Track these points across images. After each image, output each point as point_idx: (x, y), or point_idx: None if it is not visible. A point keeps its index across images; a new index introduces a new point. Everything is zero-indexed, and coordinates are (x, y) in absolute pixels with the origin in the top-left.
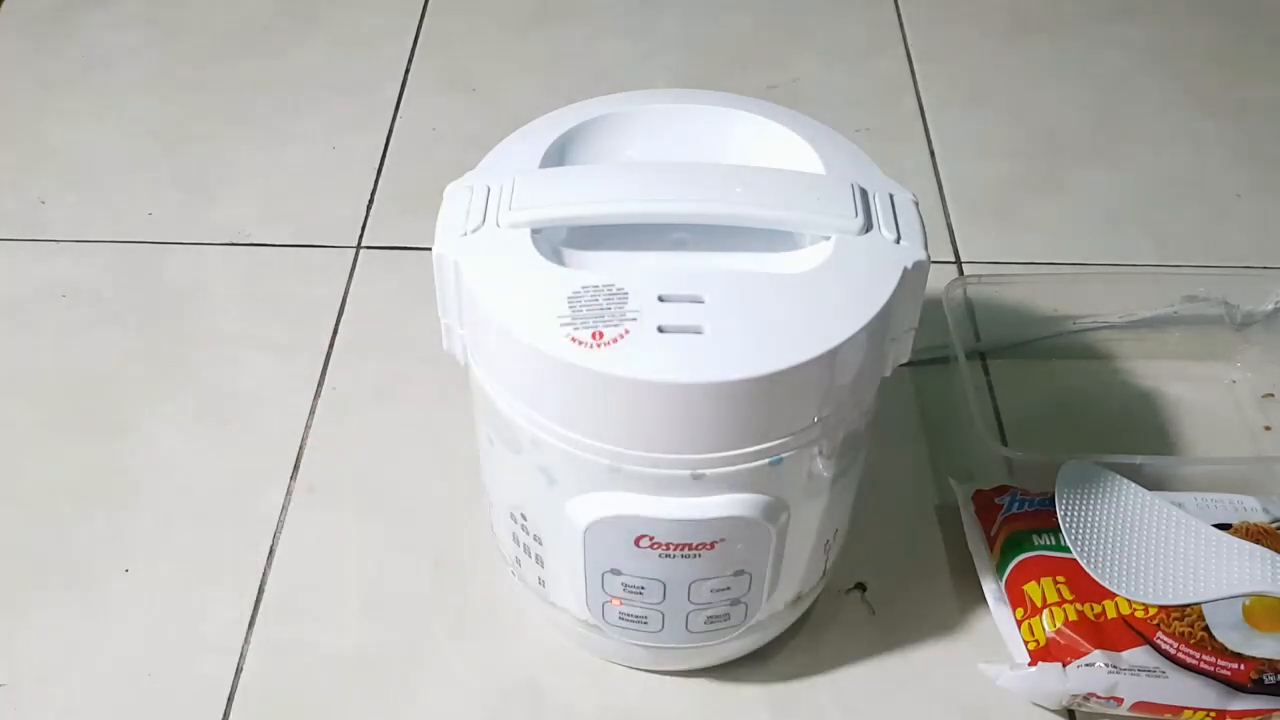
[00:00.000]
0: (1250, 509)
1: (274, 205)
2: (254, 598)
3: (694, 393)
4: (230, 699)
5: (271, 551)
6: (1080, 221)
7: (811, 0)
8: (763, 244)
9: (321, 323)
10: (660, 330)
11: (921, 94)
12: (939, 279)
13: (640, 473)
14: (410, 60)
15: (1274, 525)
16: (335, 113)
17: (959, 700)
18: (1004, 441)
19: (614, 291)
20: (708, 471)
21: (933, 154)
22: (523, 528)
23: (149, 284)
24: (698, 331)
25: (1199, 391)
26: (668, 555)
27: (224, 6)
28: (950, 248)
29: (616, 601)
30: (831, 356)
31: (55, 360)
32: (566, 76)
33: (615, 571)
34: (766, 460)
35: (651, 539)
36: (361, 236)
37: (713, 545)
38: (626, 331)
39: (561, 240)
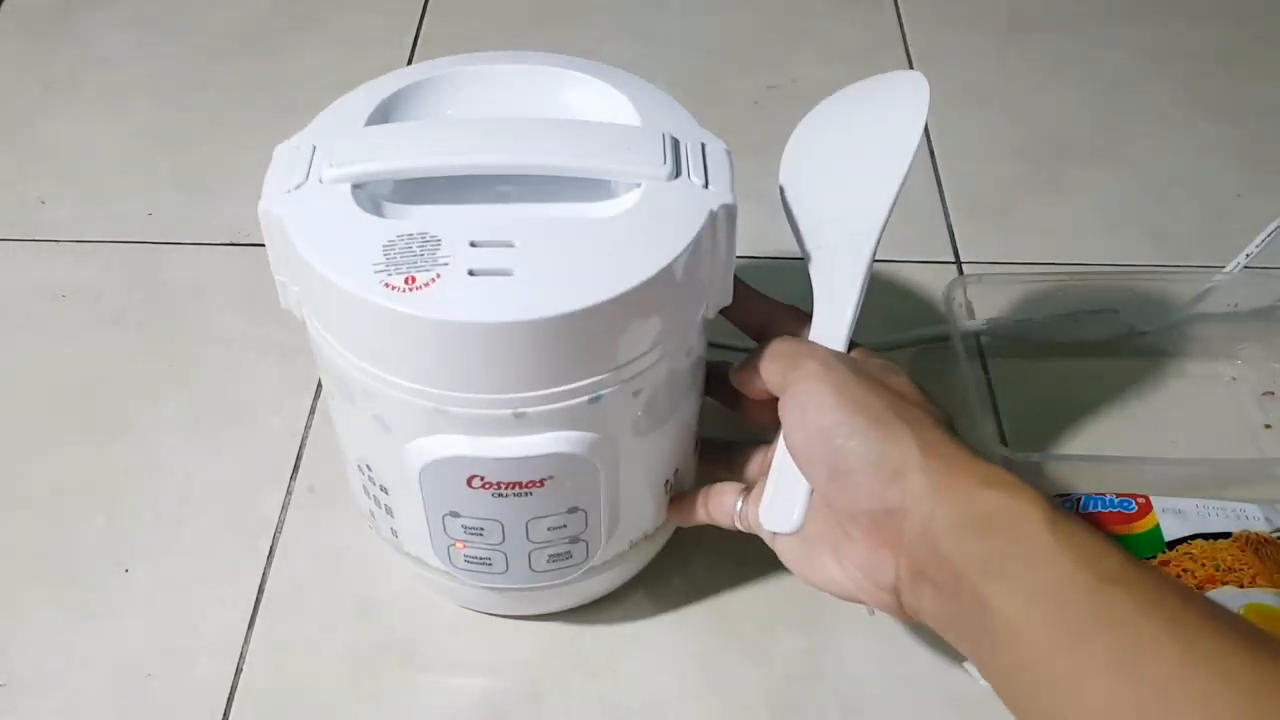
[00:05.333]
0: (1252, 517)
1: None
2: (254, 598)
3: (503, 331)
4: (230, 699)
5: (271, 551)
6: (1080, 221)
7: (811, 0)
8: (580, 194)
9: None
10: (471, 274)
11: None
12: (939, 279)
13: (465, 414)
14: (410, 60)
15: (1275, 534)
16: None
17: (959, 700)
18: (1004, 441)
19: (427, 239)
20: (529, 410)
21: (932, 154)
22: (370, 479)
23: (149, 284)
24: (508, 274)
25: (1199, 390)
26: (500, 494)
27: (224, 6)
28: (950, 248)
29: (460, 545)
30: (638, 294)
31: (55, 360)
32: None
33: (454, 514)
34: (586, 398)
35: (483, 479)
36: None
37: (542, 483)
38: (438, 275)
39: (385, 195)
